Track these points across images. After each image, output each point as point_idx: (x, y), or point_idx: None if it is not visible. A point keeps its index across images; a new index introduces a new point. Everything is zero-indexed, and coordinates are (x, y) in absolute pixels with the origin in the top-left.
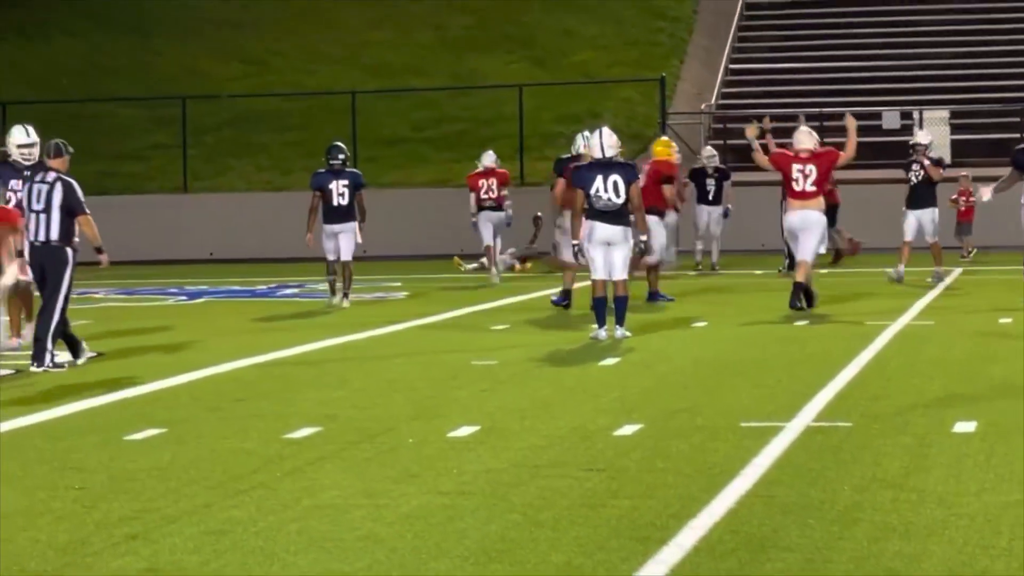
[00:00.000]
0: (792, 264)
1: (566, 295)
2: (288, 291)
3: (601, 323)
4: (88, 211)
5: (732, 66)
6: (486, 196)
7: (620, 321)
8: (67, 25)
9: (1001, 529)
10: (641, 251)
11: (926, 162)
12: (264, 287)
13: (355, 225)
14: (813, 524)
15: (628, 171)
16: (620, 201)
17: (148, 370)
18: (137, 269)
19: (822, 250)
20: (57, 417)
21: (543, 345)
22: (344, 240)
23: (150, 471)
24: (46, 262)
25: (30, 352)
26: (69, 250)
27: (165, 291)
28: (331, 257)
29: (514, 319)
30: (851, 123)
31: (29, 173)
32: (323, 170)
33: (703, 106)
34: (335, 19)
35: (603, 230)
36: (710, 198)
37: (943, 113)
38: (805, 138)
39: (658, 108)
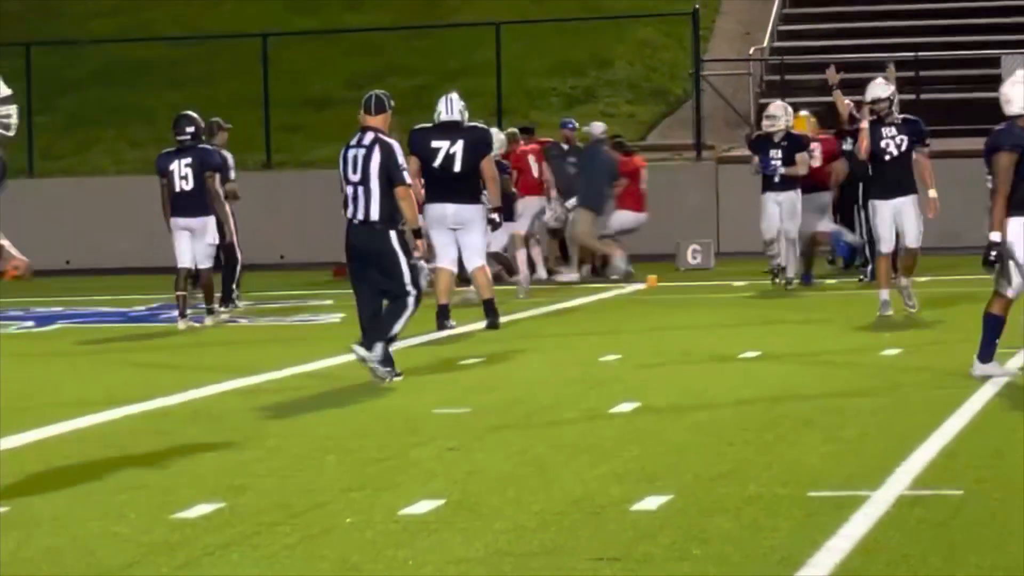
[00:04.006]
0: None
1: (445, 311)
2: (175, 314)
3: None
4: (409, 181)
5: None
6: None
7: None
8: None
9: None
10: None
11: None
12: (142, 308)
13: (209, 221)
14: None
15: None
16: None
17: None
18: None
19: None
20: None
21: (533, 384)
22: (195, 240)
23: None
24: (368, 248)
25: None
26: (393, 233)
27: (4, 315)
28: (182, 264)
29: (492, 348)
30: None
31: None
32: (171, 149)
33: (751, 50)
34: None
35: None
36: (776, 180)
37: None
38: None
39: (690, 54)
